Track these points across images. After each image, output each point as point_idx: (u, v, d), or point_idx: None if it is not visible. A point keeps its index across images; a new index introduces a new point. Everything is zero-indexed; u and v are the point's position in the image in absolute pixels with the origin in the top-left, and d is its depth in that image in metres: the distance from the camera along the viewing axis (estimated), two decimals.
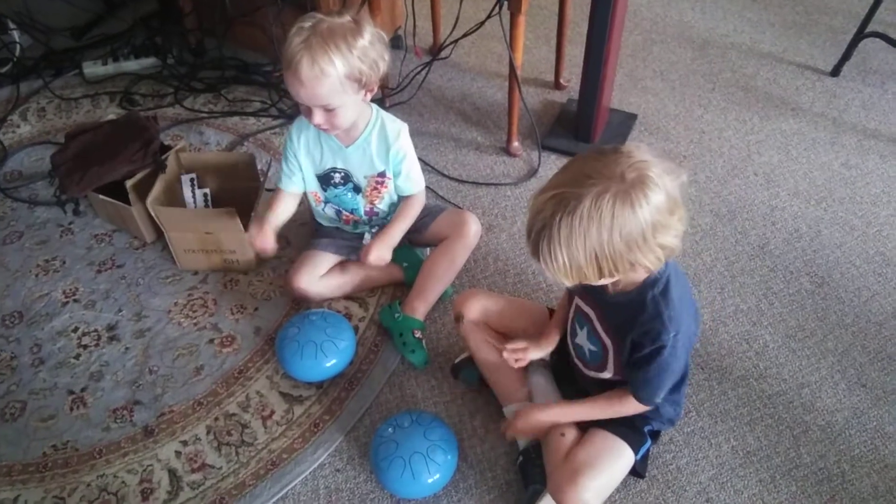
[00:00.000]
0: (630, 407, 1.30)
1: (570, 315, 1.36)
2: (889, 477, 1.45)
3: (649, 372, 1.21)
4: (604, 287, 1.18)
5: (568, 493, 1.26)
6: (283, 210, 1.69)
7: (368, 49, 1.42)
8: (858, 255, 1.87)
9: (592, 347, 1.31)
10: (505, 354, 1.41)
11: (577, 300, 1.32)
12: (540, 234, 1.02)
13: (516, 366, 1.42)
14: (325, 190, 1.70)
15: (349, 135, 1.60)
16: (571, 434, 1.36)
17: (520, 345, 1.42)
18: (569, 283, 1.06)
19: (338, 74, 1.40)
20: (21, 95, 2.45)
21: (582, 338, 1.33)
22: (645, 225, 1.00)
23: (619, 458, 1.33)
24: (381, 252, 1.63)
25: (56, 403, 1.61)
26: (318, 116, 1.47)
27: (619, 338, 1.23)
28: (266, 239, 1.63)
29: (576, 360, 1.39)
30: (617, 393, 1.31)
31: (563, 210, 0.99)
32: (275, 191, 1.71)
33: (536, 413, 1.38)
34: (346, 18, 1.42)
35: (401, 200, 1.71)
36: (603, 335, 1.27)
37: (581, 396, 1.38)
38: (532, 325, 1.50)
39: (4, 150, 2.25)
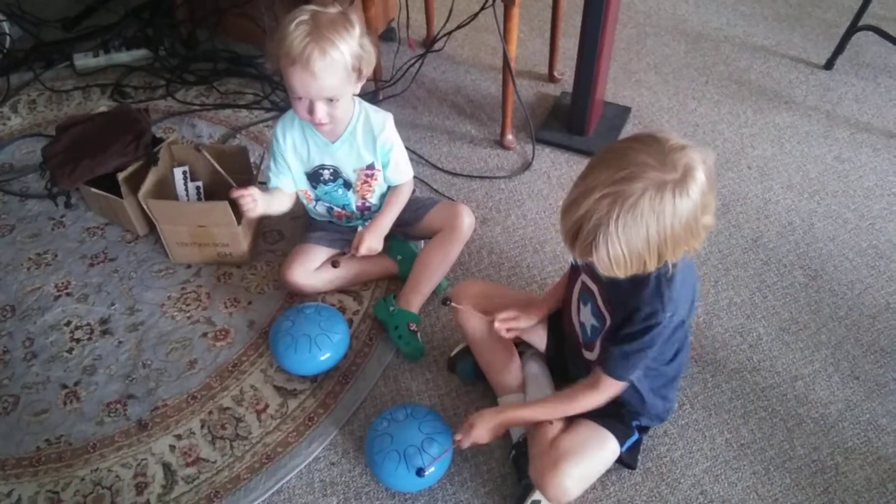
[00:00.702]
0: (582, 403, 1.30)
1: (575, 294, 1.36)
2: (882, 469, 1.46)
3: (632, 347, 1.21)
4: None
5: (550, 478, 1.27)
6: (278, 203, 1.66)
7: (361, 38, 1.45)
8: (851, 248, 1.88)
9: (595, 323, 1.31)
10: (496, 324, 1.42)
11: (584, 277, 1.32)
12: (594, 233, 1.02)
13: (508, 336, 1.44)
14: (314, 188, 1.69)
15: (334, 130, 1.59)
16: (558, 423, 1.37)
17: (510, 314, 1.43)
18: (623, 276, 1.07)
19: (345, 62, 1.41)
20: (11, 87, 2.43)
21: (586, 314, 1.33)
22: (696, 207, 1.03)
23: (602, 448, 1.34)
24: (371, 243, 1.64)
25: (49, 398, 1.60)
26: (321, 111, 1.46)
27: (618, 312, 1.23)
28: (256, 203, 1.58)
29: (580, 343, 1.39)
30: (568, 392, 1.33)
31: (622, 207, 1.00)
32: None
33: (492, 416, 1.36)
34: (337, 9, 1.44)
35: (389, 191, 1.71)
36: (604, 310, 1.27)
37: None
38: None
39: None
